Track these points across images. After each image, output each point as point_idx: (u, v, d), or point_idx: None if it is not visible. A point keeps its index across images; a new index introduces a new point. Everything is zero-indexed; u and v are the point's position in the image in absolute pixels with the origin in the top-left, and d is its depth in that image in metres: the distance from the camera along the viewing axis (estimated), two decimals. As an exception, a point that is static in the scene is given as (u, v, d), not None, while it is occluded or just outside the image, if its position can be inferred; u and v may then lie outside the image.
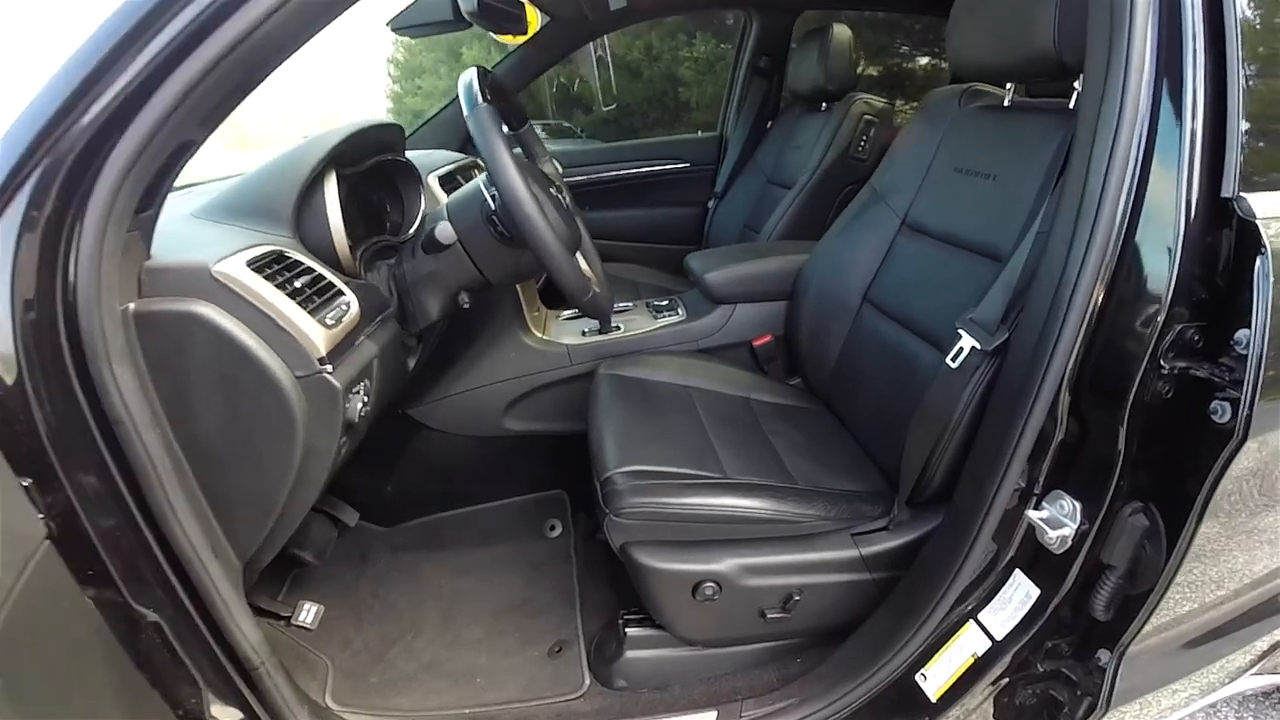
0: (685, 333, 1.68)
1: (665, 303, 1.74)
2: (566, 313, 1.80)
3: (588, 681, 1.29)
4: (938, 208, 1.40)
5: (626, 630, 1.25)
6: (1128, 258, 0.89)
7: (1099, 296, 0.90)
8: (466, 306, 1.22)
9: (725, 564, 1.14)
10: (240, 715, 1.08)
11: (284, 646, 1.43)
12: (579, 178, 2.55)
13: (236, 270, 0.94)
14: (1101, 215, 0.88)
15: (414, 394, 1.64)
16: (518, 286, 1.65)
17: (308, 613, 1.31)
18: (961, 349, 1.05)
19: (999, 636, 1.04)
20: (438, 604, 1.53)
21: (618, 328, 1.68)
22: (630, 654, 1.26)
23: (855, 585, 1.19)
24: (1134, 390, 0.89)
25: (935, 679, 1.06)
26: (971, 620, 1.06)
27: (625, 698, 1.25)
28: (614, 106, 2.79)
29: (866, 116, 2.13)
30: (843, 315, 1.52)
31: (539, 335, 1.67)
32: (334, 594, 1.56)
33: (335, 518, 1.65)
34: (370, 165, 1.34)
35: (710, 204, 2.64)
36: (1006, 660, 1.04)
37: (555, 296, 2.10)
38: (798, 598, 1.17)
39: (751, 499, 1.14)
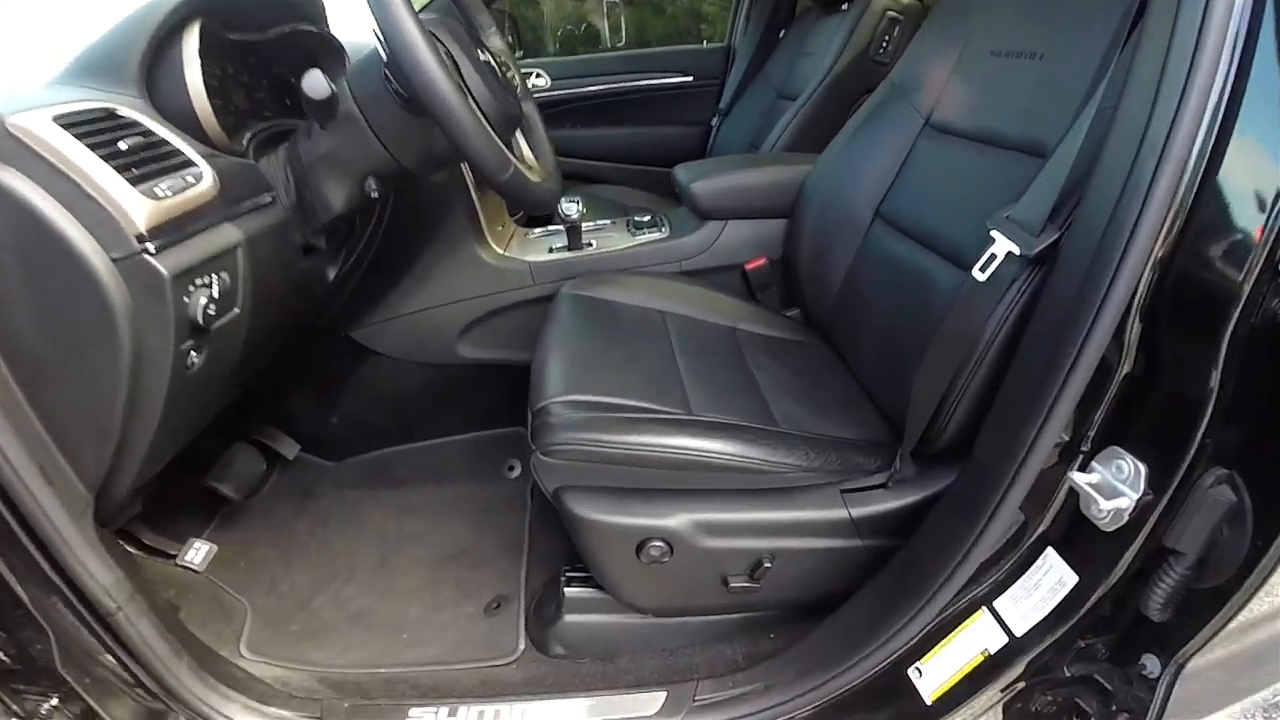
0: (667, 251, 1.40)
1: (648, 218, 1.46)
2: (537, 230, 1.53)
3: (522, 645, 1.07)
4: (969, 101, 1.09)
5: (566, 590, 1.02)
6: (1230, 136, 0.61)
7: (1187, 190, 0.61)
8: (375, 195, 0.96)
9: (677, 519, 0.89)
10: (101, 667, 0.88)
11: (199, 588, 1.23)
12: (567, 91, 2.23)
13: (39, 125, 0.70)
14: (1194, 83, 0.61)
15: (355, 314, 1.39)
16: (473, 193, 1.38)
17: (197, 552, 1.10)
18: (994, 255, 0.77)
19: (1018, 631, 0.78)
20: (376, 547, 1.31)
21: (590, 244, 1.41)
22: (570, 618, 1.03)
23: (841, 553, 0.94)
24: (1235, 316, 0.61)
25: (933, 677, 0.82)
26: (984, 608, 0.80)
27: (561, 668, 1.03)
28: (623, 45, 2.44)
29: (890, 13, 1.77)
30: (850, 232, 1.23)
31: (497, 250, 1.40)
32: (267, 532, 1.36)
33: (271, 449, 1.44)
34: (276, 35, 1.07)
35: (714, 121, 2.30)
36: (1025, 662, 0.78)
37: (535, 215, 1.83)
38: (768, 564, 0.92)
39: (716, 440, 0.88)
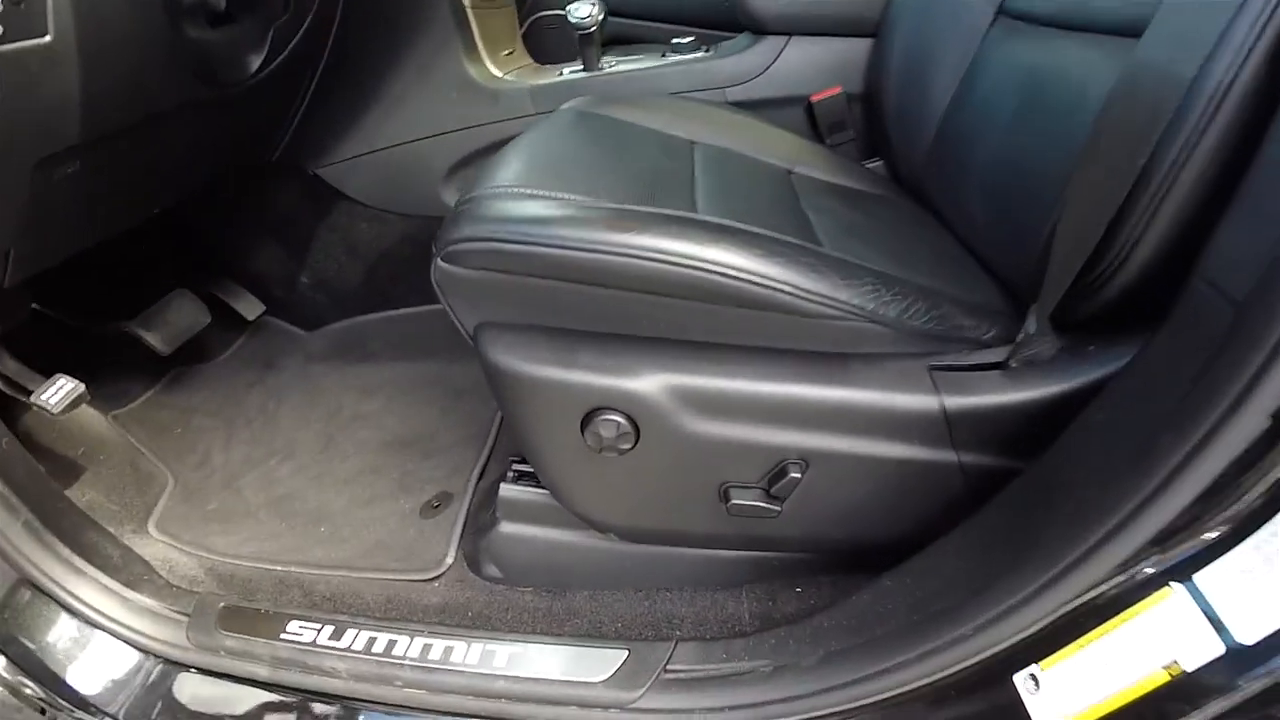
0: (707, 74, 0.99)
1: (687, 42, 1.05)
2: (553, 66, 1.15)
3: (450, 559, 0.75)
4: None
5: (502, 488, 0.69)
6: None
7: None
8: None
9: (647, 380, 0.52)
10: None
11: (119, 450, 0.98)
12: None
13: None
14: None
15: (318, 146, 1.07)
16: (465, 1, 1.01)
17: (55, 391, 0.83)
18: None
19: (1245, 636, 0.38)
20: (326, 426, 1.02)
21: (611, 64, 1.03)
22: (506, 528, 0.69)
23: (919, 470, 0.55)
24: None
25: (1061, 695, 0.43)
26: (1179, 585, 0.40)
27: (493, 596, 0.70)
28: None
29: None
30: (958, 44, 0.79)
31: (492, 70, 1.04)
32: (216, 401, 1.10)
33: (229, 306, 1.17)
34: None
35: None
36: (1249, 693, 0.38)
37: (552, 48, 1.43)
38: (796, 474, 0.55)
39: (720, 248, 0.50)
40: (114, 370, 1.10)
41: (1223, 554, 0.40)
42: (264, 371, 1.16)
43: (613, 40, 1.81)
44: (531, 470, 0.69)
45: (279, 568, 0.78)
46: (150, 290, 1.08)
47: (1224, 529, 0.40)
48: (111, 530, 0.85)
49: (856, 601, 0.57)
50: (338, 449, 0.97)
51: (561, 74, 1.04)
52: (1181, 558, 0.40)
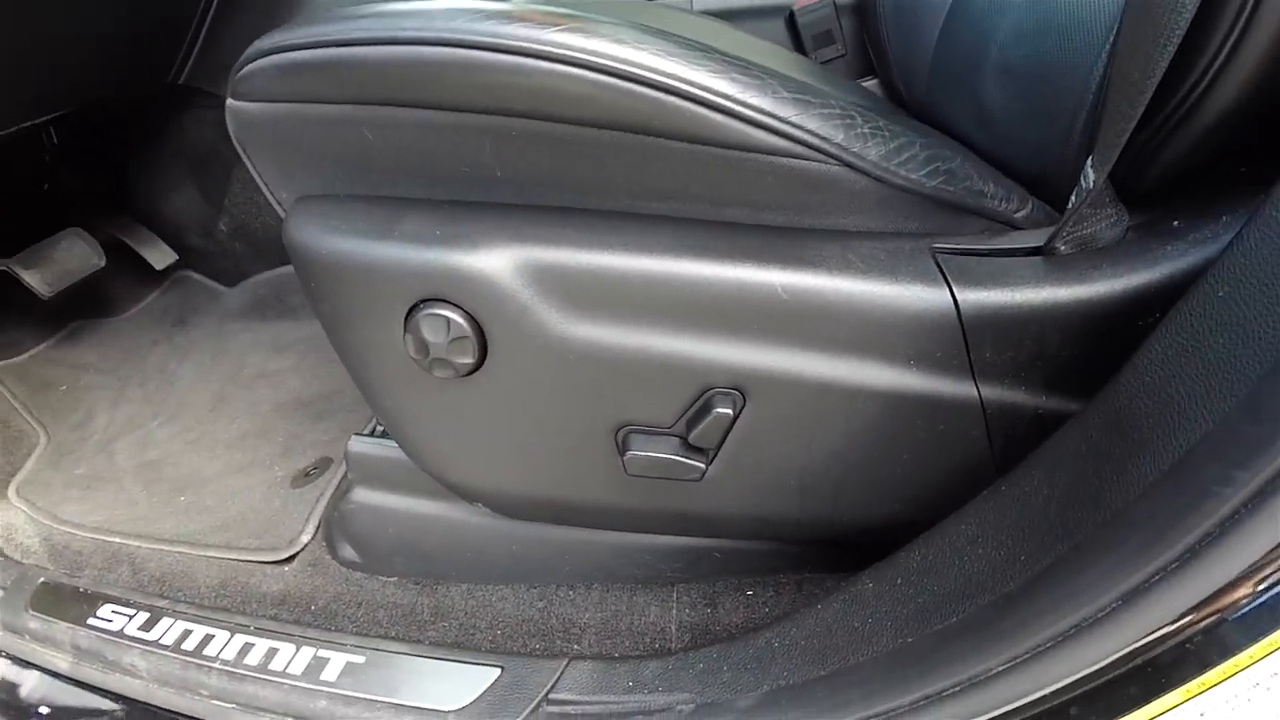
0: (667, -23, 0.85)
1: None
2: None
3: (305, 537, 0.62)
4: None
5: (354, 437, 0.55)
6: None
7: None
8: None
9: (495, 255, 0.38)
10: None
11: (-14, 405, 0.88)
12: None
13: None
14: None
15: (229, 66, 0.96)
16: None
17: None
18: None
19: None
20: (223, 386, 0.90)
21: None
22: (360, 496, 0.56)
23: (919, 409, 0.40)
24: None
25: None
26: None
27: (344, 587, 0.57)
28: None
29: None
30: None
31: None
32: (113, 358, 0.99)
33: (136, 254, 1.06)
34: None
35: None
36: None
37: None
38: (726, 409, 0.40)
39: (621, 44, 0.35)
40: (3, 319, 1.00)
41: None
42: (173, 329, 1.04)
43: None
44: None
45: (116, 539, 0.66)
46: (44, 230, 0.98)
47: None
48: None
49: (823, 612, 0.41)
50: (227, 409, 0.85)
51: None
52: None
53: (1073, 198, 0.36)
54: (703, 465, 0.42)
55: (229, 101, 0.41)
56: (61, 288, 0.91)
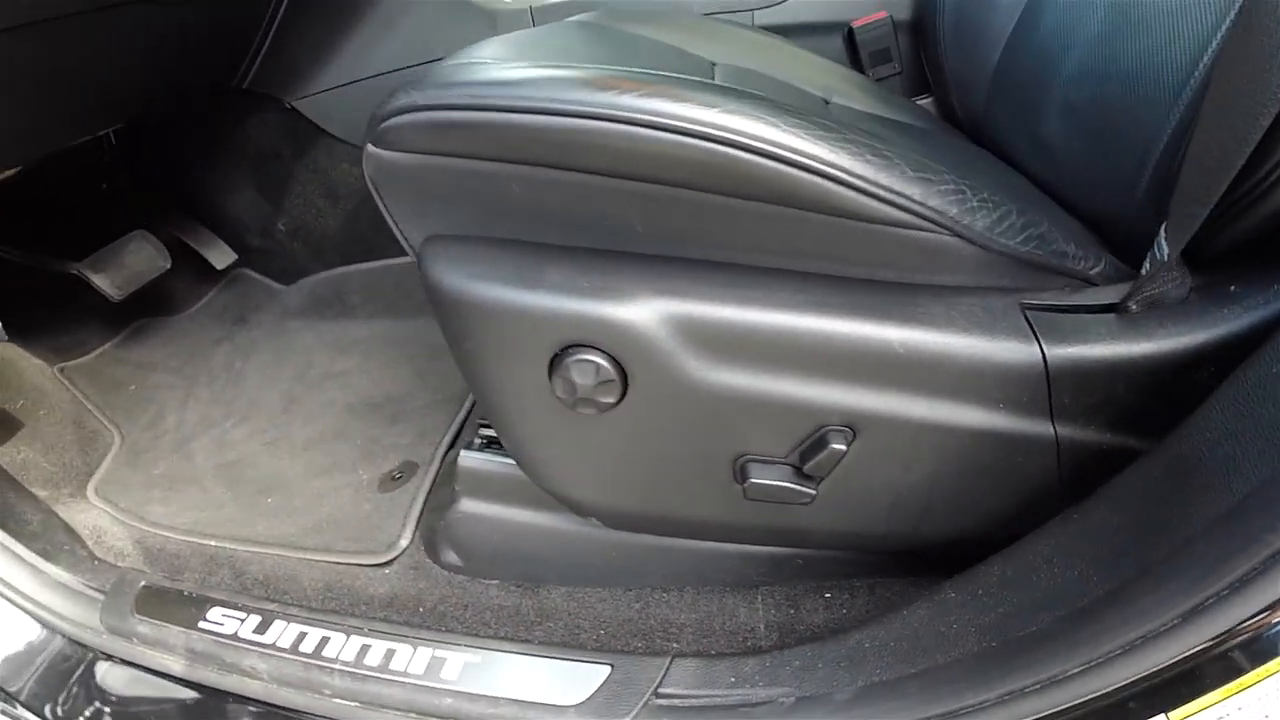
0: (732, -8, 0.87)
1: (714, -43, 0.93)
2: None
3: (404, 541, 0.65)
4: None
5: (463, 453, 0.58)
6: None
7: None
8: None
9: (641, 309, 0.41)
10: None
11: (63, 406, 0.91)
12: None
13: None
14: None
15: (293, 74, 0.98)
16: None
17: None
18: None
19: None
20: (292, 386, 0.94)
21: (622, -22, 0.92)
22: (467, 506, 0.59)
23: (1004, 444, 0.44)
24: None
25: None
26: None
27: (451, 589, 0.60)
28: None
29: None
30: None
31: (488, -13, 0.93)
32: (179, 357, 1.02)
33: (197, 253, 1.09)
34: None
35: None
36: None
37: None
38: (840, 445, 0.43)
39: (747, 116, 0.38)
40: (69, 319, 1.03)
41: None
42: (234, 327, 1.07)
43: None
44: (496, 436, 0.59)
45: (212, 542, 0.69)
46: (108, 231, 1.01)
47: None
48: (42, 493, 0.78)
49: (909, 617, 0.45)
50: (300, 410, 0.89)
51: (565, -5, 0.93)
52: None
53: (1146, 263, 0.40)
54: (814, 491, 0.46)
55: (369, 148, 0.44)
56: (131, 290, 0.94)
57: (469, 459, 0.57)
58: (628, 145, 0.37)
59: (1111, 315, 0.41)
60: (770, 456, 0.45)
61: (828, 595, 0.59)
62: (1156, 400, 0.40)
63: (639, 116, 0.37)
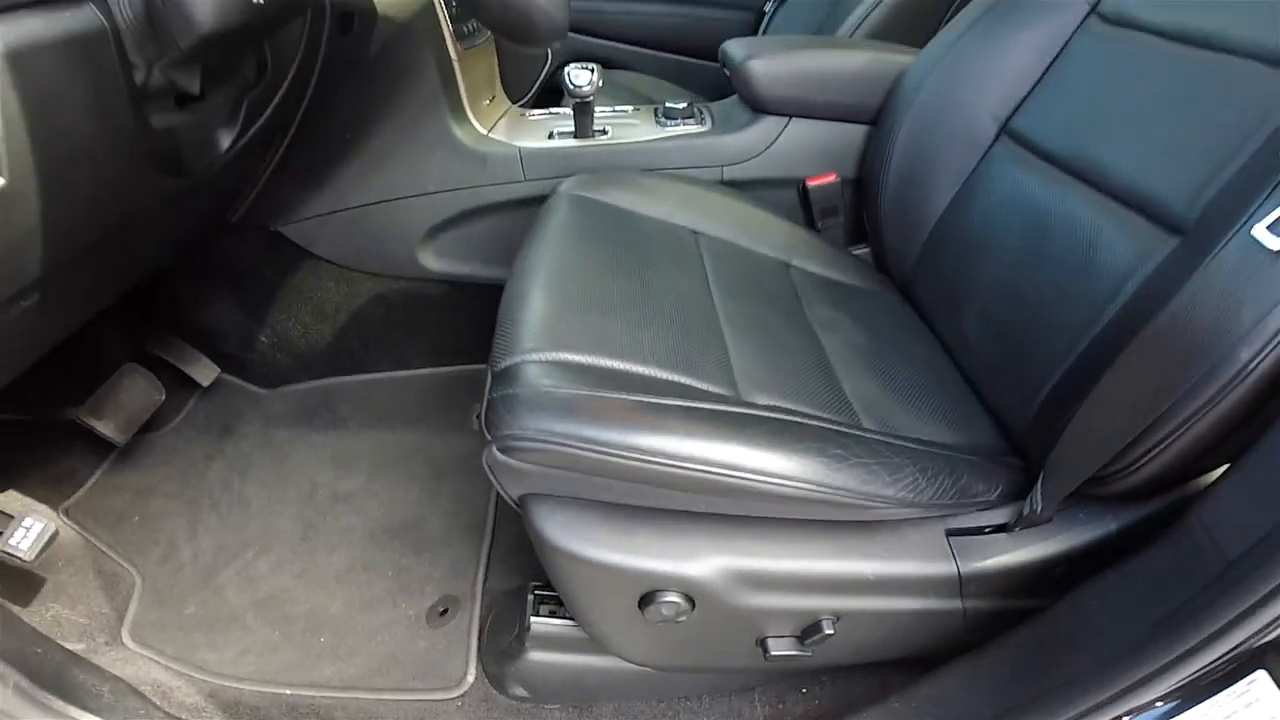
0: (706, 150, 1.04)
1: (682, 106, 1.08)
2: (537, 112, 1.15)
3: (471, 677, 0.80)
4: None
5: (533, 622, 0.74)
6: None
7: None
8: (259, 1, 0.60)
9: (705, 565, 0.59)
10: None
11: (77, 551, 0.96)
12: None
13: None
14: None
15: (284, 203, 1.05)
16: (451, 46, 1.00)
17: (25, 534, 0.81)
18: None
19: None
20: (302, 510, 1.03)
21: (603, 132, 1.05)
22: (535, 656, 0.75)
23: (929, 617, 0.65)
24: None
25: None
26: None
27: (521, 713, 0.76)
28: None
29: None
30: (960, 152, 0.88)
31: (479, 129, 1.04)
32: (172, 479, 1.07)
33: (182, 373, 1.13)
34: None
35: (767, 6, 1.84)
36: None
37: (521, 84, 1.46)
38: (829, 631, 0.63)
39: (777, 455, 0.56)
40: (57, 451, 1.05)
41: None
42: (222, 439, 1.14)
43: (582, 58, 1.81)
44: (554, 594, 0.75)
45: (288, 690, 0.80)
46: (94, 365, 1.04)
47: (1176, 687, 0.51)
48: (78, 647, 0.84)
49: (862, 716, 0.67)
50: (321, 538, 0.99)
51: (551, 135, 1.05)
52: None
53: (1026, 505, 0.61)
54: (811, 654, 0.66)
55: (493, 450, 0.57)
56: (133, 432, 0.99)
57: (541, 625, 0.73)
58: (686, 479, 0.55)
59: (1003, 534, 0.63)
60: (780, 636, 0.65)
61: (804, 691, 0.81)
62: (1029, 586, 0.63)
63: (691, 464, 0.54)
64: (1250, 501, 0.46)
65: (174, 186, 0.76)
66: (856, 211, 1.06)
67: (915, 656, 0.70)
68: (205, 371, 1.14)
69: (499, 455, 0.56)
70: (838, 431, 0.59)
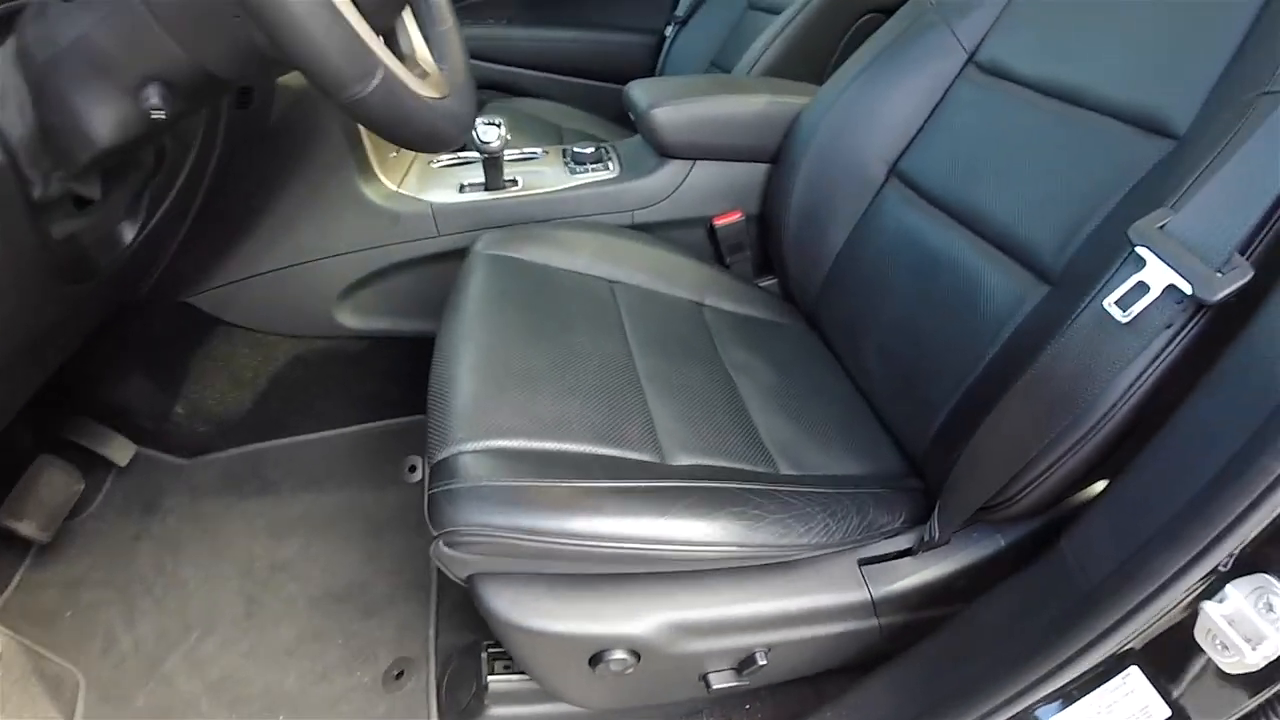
0: (615, 196, 1.08)
1: (590, 150, 1.12)
2: (444, 158, 1.17)
3: (436, 738, 0.84)
4: (1044, 38, 0.81)
5: (490, 681, 0.78)
6: None
7: None
8: (160, 115, 0.60)
9: (648, 623, 0.65)
10: None
11: (16, 658, 0.92)
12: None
13: None
14: None
15: (191, 275, 1.03)
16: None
17: None
18: (1143, 286, 0.51)
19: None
20: (242, 585, 1.03)
21: (514, 182, 1.08)
22: (496, 712, 0.79)
23: (851, 636, 0.73)
24: None
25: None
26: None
27: (484, 768, 0.81)
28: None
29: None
30: (854, 191, 0.95)
31: (389, 186, 1.05)
32: (100, 566, 1.05)
33: (96, 454, 1.10)
34: None
35: (668, 31, 1.87)
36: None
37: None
38: (763, 661, 0.70)
39: (703, 522, 0.62)
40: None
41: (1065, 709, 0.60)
42: (146, 517, 1.11)
43: (490, 86, 1.82)
44: (504, 651, 0.80)
45: (256, 777, 0.82)
46: (5, 461, 1.00)
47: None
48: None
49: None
50: (265, 612, 0.99)
51: (462, 188, 1.07)
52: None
53: (926, 531, 0.69)
54: (748, 682, 0.73)
55: (439, 545, 0.60)
56: (57, 528, 0.96)
57: (497, 682, 0.77)
58: (624, 555, 0.60)
59: (908, 558, 0.71)
60: (720, 670, 0.72)
61: (748, 706, 0.89)
62: (927, 598, 0.71)
63: (629, 544, 0.60)
64: (1109, 534, 0.55)
65: (82, 292, 0.75)
66: (762, 246, 1.13)
67: (842, 668, 0.78)
68: (121, 450, 1.11)
69: (444, 549, 0.60)
70: (754, 491, 0.65)
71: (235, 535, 1.09)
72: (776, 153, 1.06)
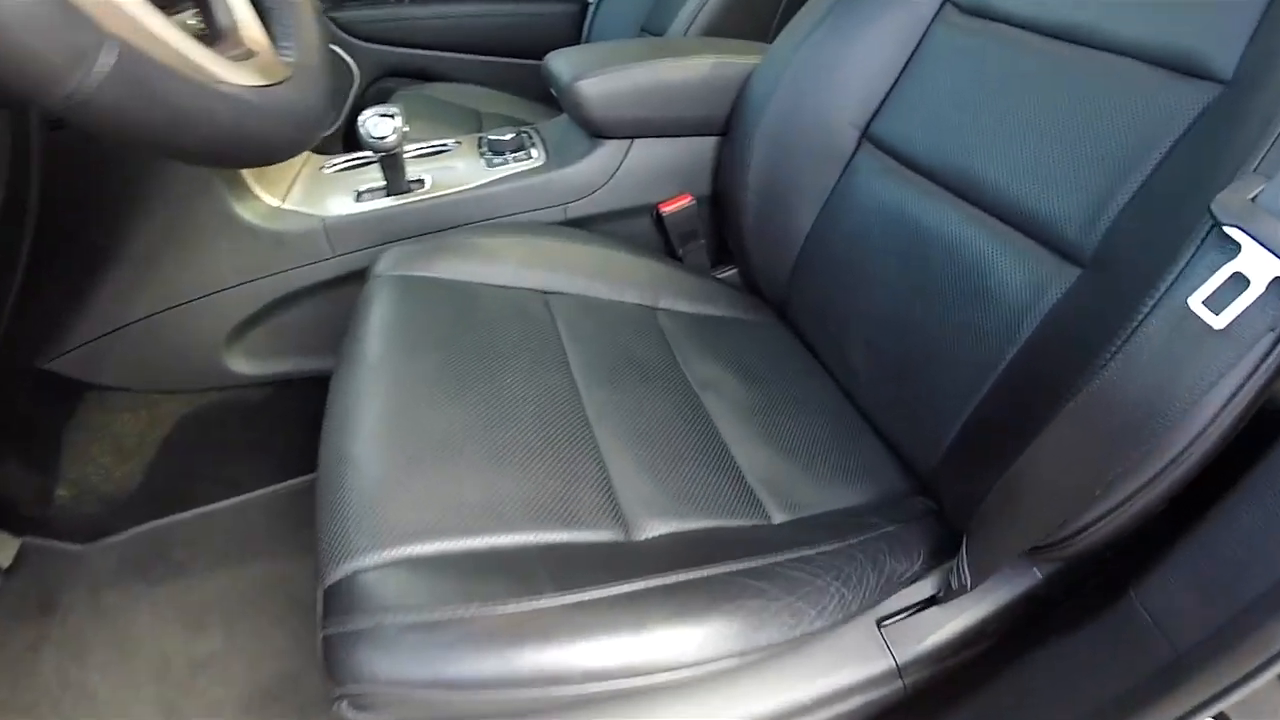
0: (543, 189, 0.92)
1: (509, 137, 0.96)
2: (337, 160, 0.99)
3: None
4: None
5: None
6: None
7: None
8: None
9: None
10: None
11: None
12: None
13: None
14: None
15: (42, 337, 0.86)
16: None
17: None
18: (1241, 279, 0.38)
19: None
20: (159, 690, 0.87)
21: (420, 183, 0.91)
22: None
23: (875, 705, 0.61)
24: None
25: None
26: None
27: None
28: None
29: None
30: (821, 163, 0.81)
31: (270, 202, 0.88)
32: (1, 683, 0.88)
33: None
34: None
35: None
36: None
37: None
38: None
39: (693, 626, 0.49)
40: None
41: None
42: (43, 619, 0.94)
43: (397, 73, 1.62)
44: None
45: None
46: None
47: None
48: None
49: None
50: (185, 724, 0.84)
51: (359, 196, 0.90)
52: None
53: (952, 578, 0.57)
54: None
55: (344, 707, 0.46)
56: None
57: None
58: (580, 694, 0.47)
59: (933, 608, 0.59)
60: None
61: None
62: (970, 642, 0.60)
63: (593, 684, 0.46)
64: (1196, 591, 0.43)
65: None
66: (718, 231, 0.99)
67: None
68: (3, 548, 0.94)
69: (349, 713, 0.46)
70: (751, 571, 0.52)
71: (146, 630, 0.93)
72: (726, 123, 0.91)
